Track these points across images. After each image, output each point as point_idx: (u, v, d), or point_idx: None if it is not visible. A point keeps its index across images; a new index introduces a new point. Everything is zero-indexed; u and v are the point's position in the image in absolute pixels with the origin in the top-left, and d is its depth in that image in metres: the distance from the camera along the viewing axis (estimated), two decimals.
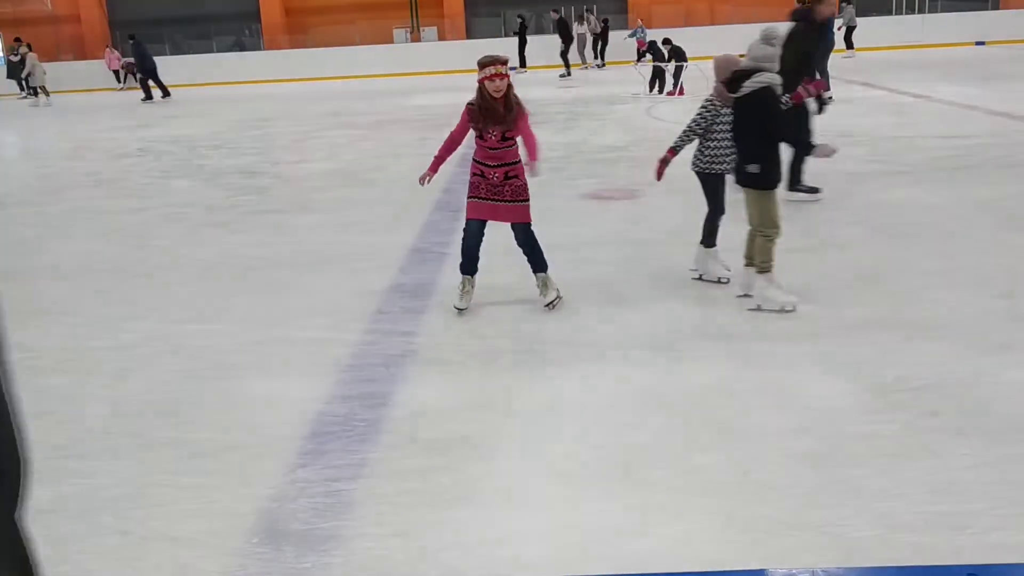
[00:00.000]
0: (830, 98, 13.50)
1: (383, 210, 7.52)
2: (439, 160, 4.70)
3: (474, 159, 4.66)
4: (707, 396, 3.49)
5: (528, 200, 4.70)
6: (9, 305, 5.21)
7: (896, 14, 27.42)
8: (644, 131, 11.89)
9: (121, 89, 28.28)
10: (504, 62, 4.51)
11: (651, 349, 4.01)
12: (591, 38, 25.29)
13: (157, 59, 28.14)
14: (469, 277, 4.73)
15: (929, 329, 4.10)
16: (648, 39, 23.79)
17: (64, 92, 28.38)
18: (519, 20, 25.65)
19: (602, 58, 25.35)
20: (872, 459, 2.95)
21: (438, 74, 26.29)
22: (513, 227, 4.72)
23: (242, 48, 30.52)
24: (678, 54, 16.06)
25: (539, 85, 20.64)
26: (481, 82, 4.46)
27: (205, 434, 3.39)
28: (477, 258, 4.73)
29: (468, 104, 4.58)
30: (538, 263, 4.77)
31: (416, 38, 29.19)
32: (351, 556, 2.56)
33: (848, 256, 5.34)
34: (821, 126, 10.81)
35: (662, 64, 16.40)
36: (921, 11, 27.64)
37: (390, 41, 28.61)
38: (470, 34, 29.37)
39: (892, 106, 12.83)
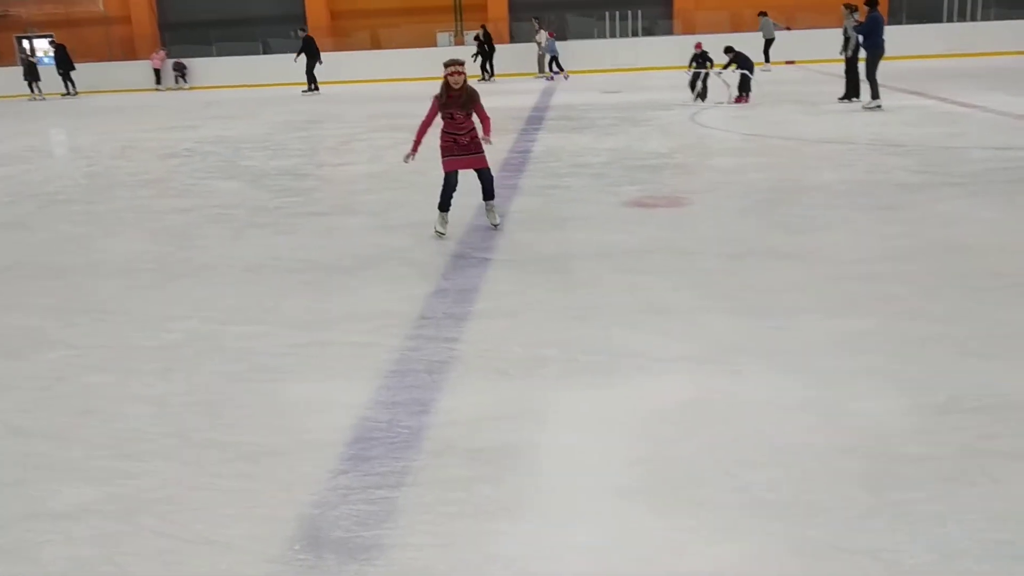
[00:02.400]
0: (878, 107, 13.33)
1: (426, 214, 7.49)
2: (417, 140, 6.39)
3: (444, 131, 6.37)
4: (754, 411, 3.42)
5: (484, 152, 6.47)
6: (57, 302, 5.31)
7: (947, 21, 26.97)
8: (689, 137, 11.79)
9: (159, 89, 28.67)
10: (461, 63, 6.24)
11: (697, 361, 3.95)
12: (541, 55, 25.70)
13: (203, 60, 28.55)
14: (445, 213, 6.52)
15: (985, 346, 3.99)
16: (556, 53, 24.07)
17: (112, 92, 28.90)
18: (481, 29, 26.21)
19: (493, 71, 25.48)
20: (926, 482, 2.86)
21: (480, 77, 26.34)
22: (478, 171, 6.46)
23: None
24: (741, 61, 15.63)
25: (581, 91, 20.59)
26: (444, 78, 6.19)
27: (248, 437, 3.38)
28: (451, 199, 6.47)
29: (435, 96, 6.27)
30: (489, 193, 6.58)
31: (460, 42, 29.29)
32: (392, 566, 2.53)
33: (899, 269, 5.21)
34: (870, 136, 10.67)
35: (707, 71, 16.08)
36: (972, 19, 27.18)
37: (433, 44, 28.73)
38: (513, 38, 29.39)
39: (942, 115, 12.60)
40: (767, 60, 23.38)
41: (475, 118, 6.43)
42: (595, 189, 8.17)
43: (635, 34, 29.01)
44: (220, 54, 30.32)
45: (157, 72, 29.05)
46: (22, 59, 27.32)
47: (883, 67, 13.80)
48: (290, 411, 3.63)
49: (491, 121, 6.45)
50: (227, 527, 2.76)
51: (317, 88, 23.97)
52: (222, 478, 3.07)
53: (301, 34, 24.10)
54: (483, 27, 26.18)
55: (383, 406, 3.61)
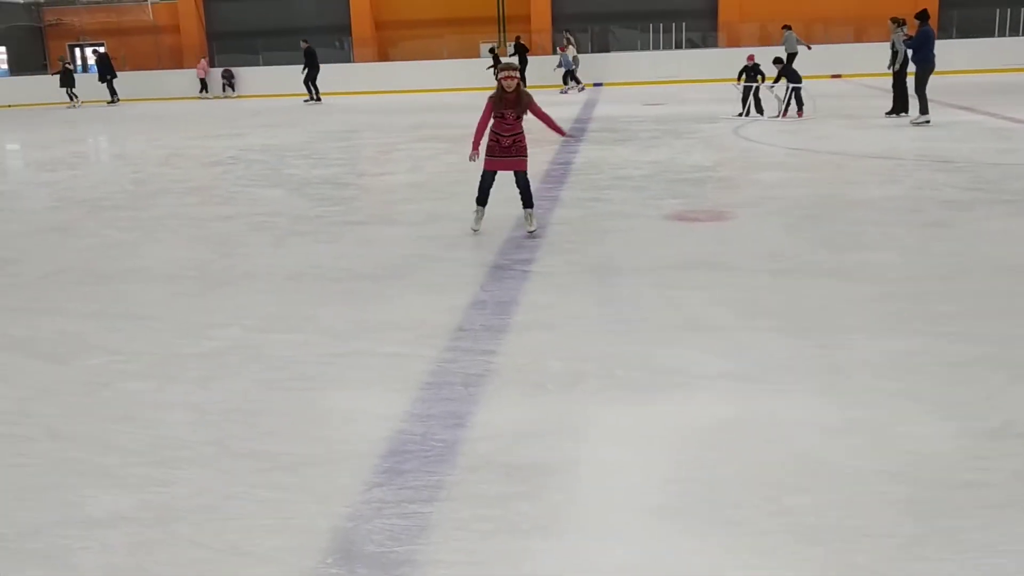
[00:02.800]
0: (927, 122, 13.10)
1: (465, 225, 7.49)
2: (476, 140, 6.64)
3: (492, 130, 6.62)
4: (798, 432, 3.34)
5: (526, 156, 6.73)
6: (100, 307, 5.37)
7: (999, 36, 26.52)
8: (732, 151, 11.68)
9: (204, 97, 29.06)
10: (515, 68, 6.63)
11: (739, 380, 3.87)
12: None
13: (250, 69, 28.92)
14: (482, 208, 6.87)
15: None
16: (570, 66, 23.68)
17: (160, 100, 29.38)
18: (515, 39, 26.40)
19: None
20: (977, 510, 2.77)
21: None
22: (515, 174, 6.69)
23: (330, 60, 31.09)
24: (791, 75, 15.29)
25: (623, 103, 20.53)
26: (499, 80, 6.53)
27: (284, 447, 3.37)
28: (488, 195, 6.80)
29: (489, 97, 6.57)
30: (527, 201, 6.80)
31: (503, 52, 29.35)
32: None
33: (947, 288, 5.09)
34: (918, 152, 10.48)
35: (758, 84, 15.75)
36: None
37: (476, 55, 28.83)
38: (555, 49, 29.41)
39: (994, 131, 12.36)
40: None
41: (526, 123, 6.69)
42: (636, 202, 8.11)
43: (678, 46, 28.88)
44: (266, 63, 30.71)
45: (202, 81, 29.47)
46: (62, 66, 27.79)
47: (932, 81, 13.60)
48: (327, 421, 3.62)
49: (551, 118, 6.74)
50: (261, 538, 2.74)
51: (319, 99, 24.22)
52: (258, 488, 3.06)
53: (303, 45, 24.41)
54: (517, 38, 26.26)
55: (418, 418, 3.58)
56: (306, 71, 24.28)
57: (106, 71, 27.71)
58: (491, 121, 6.59)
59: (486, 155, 6.67)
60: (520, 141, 6.61)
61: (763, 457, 3.16)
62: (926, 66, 13.37)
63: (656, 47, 28.22)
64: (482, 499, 2.92)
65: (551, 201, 8.27)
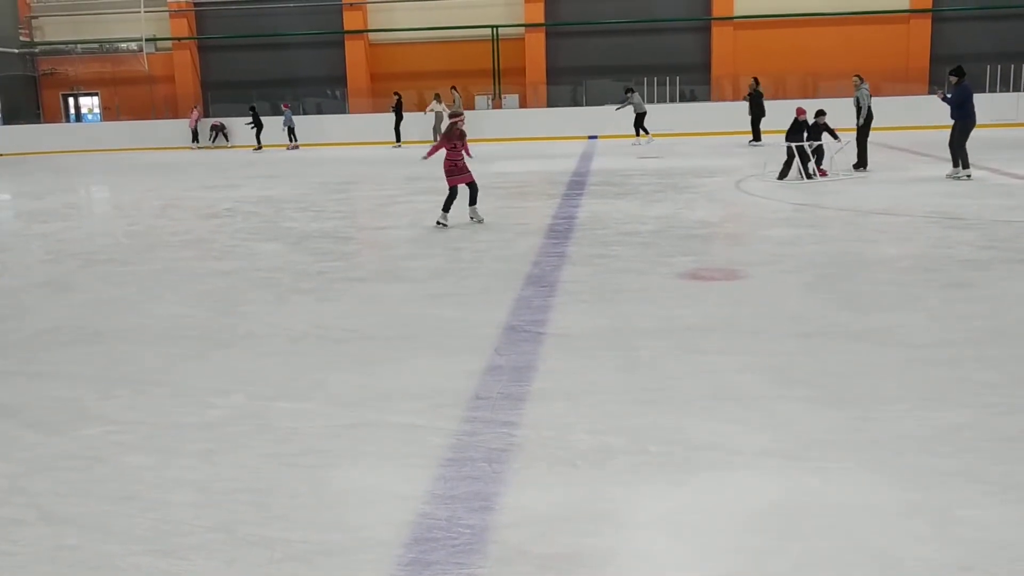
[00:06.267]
0: (968, 176, 13.02)
1: (472, 282, 7.30)
2: (432, 153, 10.42)
3: (448, 159, 10.05)
4: (852, 517, 3.10)
5: (470, 171, 10.24)
6: (96, 371, 5.11)
7: (989, 91, 26.75)
8: (737, 206, 11.57)
9: (196, 148, 29.00)
10: (462, 114, 10.61)
11: (779, 457, 3.64)
12: (446, 116, 25.79)
13: (246, 119, 28.96)
14: (446, 213, 10.07)
15: None
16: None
17: (154, 149, 29.31)
18: (396, 97, 26.69)
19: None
20: None
21: (519, 140, 26.44)
22: (469, 184, 10.14)
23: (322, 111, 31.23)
24: (829, 129, 14.04)
25: (620, 156, 20.50)
26: (454, 122, 10.27)
27: (298, 533, 3.11)
28: (452, 204, 10.06)
29: (444, 135, 10.31)
30: (474, 199, 10.27)
31: (498, 105, 29.45)
32: None
33: (984, 354, 4.89)
34: (927, 208, 10.37)
35: (821, 143, 14.01)
36: (1016, 89, 26.94)
37: (472, 107, 28.90)
38: (551, 102, 29.54)
39: (998, 187, 12.29)
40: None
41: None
42: (646, 259, 7.93)
43: (672, 100, 29.03)
44: (262, 113, 30.75)
45: (194, 131, 29.40)
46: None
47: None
48: (343, 502, 3.36)
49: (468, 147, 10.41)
50: None
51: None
52: None
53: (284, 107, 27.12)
54: (451, 89, 26.72)
55: (441, 500, 3.33)
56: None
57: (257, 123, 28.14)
58: (445, 152, 10.05)
59: (449, 176, 10.03)
60: (464, 163, 10.12)
61: (820, 546, 2.92)
62: (968, 122, 13.33)
63: (650, 100, 28.33)
64: None
65: (558, 258, 8.08)
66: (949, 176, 13.36)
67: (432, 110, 25.79)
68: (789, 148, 13.84)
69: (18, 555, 3.03)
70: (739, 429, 3.93)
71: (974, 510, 3.13)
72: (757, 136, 21.74)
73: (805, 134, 13.92)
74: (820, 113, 14.07)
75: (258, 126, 27.80)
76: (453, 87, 26.76)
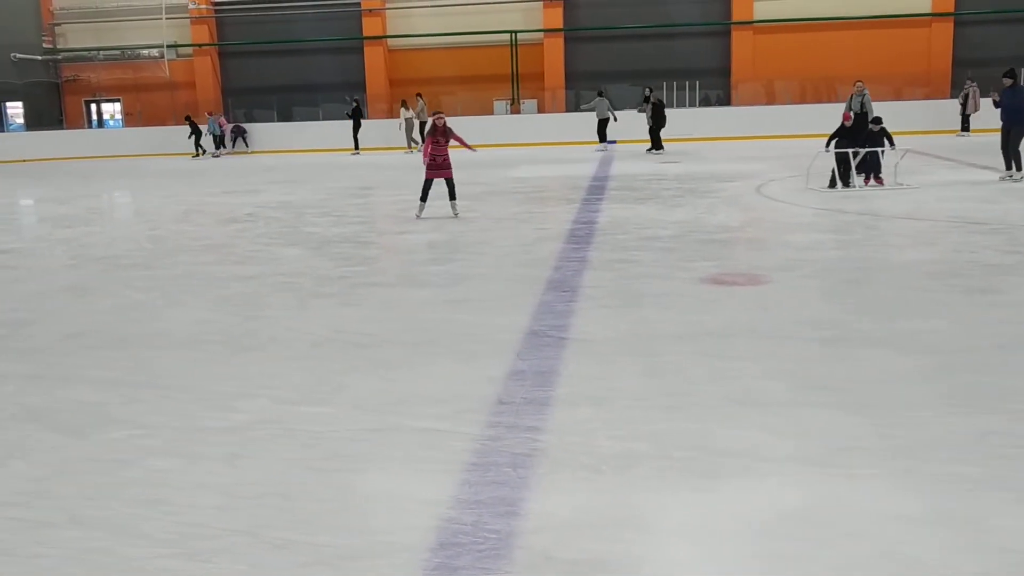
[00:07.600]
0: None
1: (494, 287, 7.30)
2: (424, 157, 11.20)
3: (431, 153, 10.99)
4: (882, 525, 3.07)
5: (451, 168, 11.19)
6: (120, 375, 5.14)
7: None
8: (758, 211, 11.52)
9: (215, 155, 29.02)
10: (441, 112, 11.38)
11: (806, 463, 3.62)
12: (417, 123, 26.38)
13: (265, 125, 29.10)
14: (423, 203, 11.23)
15: None
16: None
17: (175, 155, 29.49)
18: (354, 103, 27.17)
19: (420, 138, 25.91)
20: None
21: (537, 145, 26.43)
22: (447, 180, 11.10)
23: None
24: (888, 137, 13.04)
25: (640, 161, 20.46)
26: (432, 120, 11.11)
27: (323, 537, 3.12)
28: (428, 195, 11.24)
29: (428, 132, 11.06)
30: (452, 194, 11.25)
31: (516, 110, 29.47)
32: None
33: (1011, 360, 4.84)
34: (949, 213, 10.30)
35: (866, 149, 12.99)
36: None
37: (490, 112, 28.94)
38: (569, 107, 29.52)
39: (1020, 192, 12.17)
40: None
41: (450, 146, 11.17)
42: (667, 264, 7.91)
43: (692, 105, 28.96)
44: (281, 119, 30.88)
45: (219, 137, 29.50)
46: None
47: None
48: (367, 507, 3.37)
49: (462, 138, 11.42)
50: None
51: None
52: None
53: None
54: (417, 95, 26.94)
55: (466, 505, 3.33)
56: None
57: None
58: (430, 147, 10.97)
59: (428, 169, 11.10)
60: (447, 158, 11.07)
61: (847, 553, 2.90)
62: None
63: (669, 105, 28.27)
64: None
65: (579, 263, 8.07)
66: (1002, 178, 13.23)
67: (405, 117, 26.54)
68: (836, 155, 12.97)
69: (48, 557, 3.06)
70: (764, 435, 3.91)
71: (1005, 519, 3.10)
72: (658, 145, 22.02)
73: (851, 140, 12.97)
74: (877, 120, 13.14)
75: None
76: (418, 94, 27.16)
